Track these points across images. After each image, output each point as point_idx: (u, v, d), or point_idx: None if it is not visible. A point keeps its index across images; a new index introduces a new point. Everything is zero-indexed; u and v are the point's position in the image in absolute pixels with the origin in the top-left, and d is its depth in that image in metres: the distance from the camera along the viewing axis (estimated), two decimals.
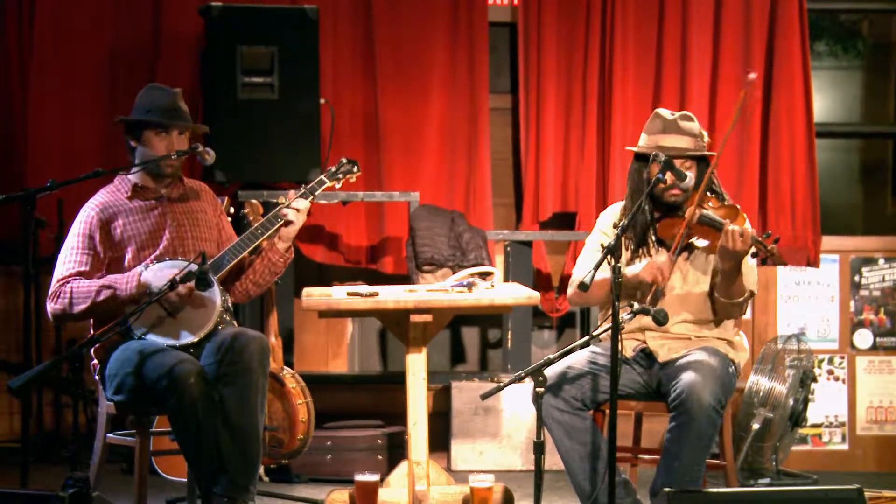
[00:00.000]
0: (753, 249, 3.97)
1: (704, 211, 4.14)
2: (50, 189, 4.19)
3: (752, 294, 4.21)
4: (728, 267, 4.06)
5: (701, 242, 4.13)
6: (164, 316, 4.06)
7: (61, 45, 5.81)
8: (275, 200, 4.33)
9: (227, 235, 4.38)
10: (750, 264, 4.12)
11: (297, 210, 4.25)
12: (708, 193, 4.20)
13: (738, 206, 4.20)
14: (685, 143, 4.21)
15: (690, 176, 4.10)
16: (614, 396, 3.77)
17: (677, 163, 4.11)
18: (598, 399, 4.13)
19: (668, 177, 4.08)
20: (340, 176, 4.46)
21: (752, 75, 4.22)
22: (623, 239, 4.17)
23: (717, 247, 4.05)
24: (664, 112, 4.28)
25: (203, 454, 3.94)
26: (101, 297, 4.02)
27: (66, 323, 4.16)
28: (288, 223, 4.25)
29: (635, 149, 4.31)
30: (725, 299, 4.15)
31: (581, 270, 4.28)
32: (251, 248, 4.22)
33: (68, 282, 4.06)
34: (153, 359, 3.94)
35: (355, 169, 4.49)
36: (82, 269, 4.09)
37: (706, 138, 4.28)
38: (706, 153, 4.25)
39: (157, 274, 4.03)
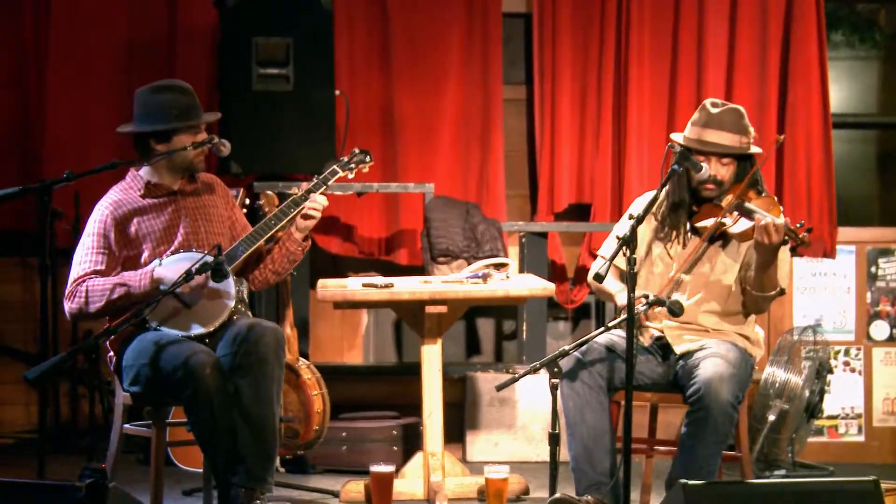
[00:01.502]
0: (786, 238, 3.93)
1: (741, 201, 4.10)
2: (66, 180, 4.18)
3: (782, 291, 4.17)
4: (763, 260, 4.02)
5: (735, 229, 4.08)
6: (180, 307, 4.05)
7: (77, 38, 5.81)
8: (289, 192, 4.33)
9: (242, 227, 4.37)
10: (785, 256, 4.05)
11: (317, 207, 4.25)
12: (750, 188, 4.15)
13: (775, 198, 4.16)
14: (727, 139, 4.13)
15: (706, 167, 4.05)
16: (629, 388, 3.76)
17: (714, 158, 4.10)
18: (616, 382, 4.11)
19: (709, 169, 4.07)
20: (353, 166, 4.45)
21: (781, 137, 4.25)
22: (659, 224, 4.22)
23: (753, 240, 4.00)
24: (710, 105, 4.19)
25: (219, 445, 3.94)
26: (116, 295, 4.02)
27: (83, 321, 4.17)
28: (307, 217, 4.25)
29: (676, 141, 4.23)
30: (758, 292, 4.11)
31: (604, 250, 4.34)
32: (264, 238, 4.22)
33: (84, 281, 4.06)
34: (168, 350, 3.94)
35: (368, 159, 4.48)
36: (98, 268, 4.09)
37: (752, 134, 4.20)
38: (746, 151, 4.17)
39: (171, 268, 4.03)
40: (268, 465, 3.99)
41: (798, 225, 3.94)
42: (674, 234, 4.24)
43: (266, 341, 3.99)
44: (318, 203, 4.26)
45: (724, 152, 4.14)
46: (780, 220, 3.93)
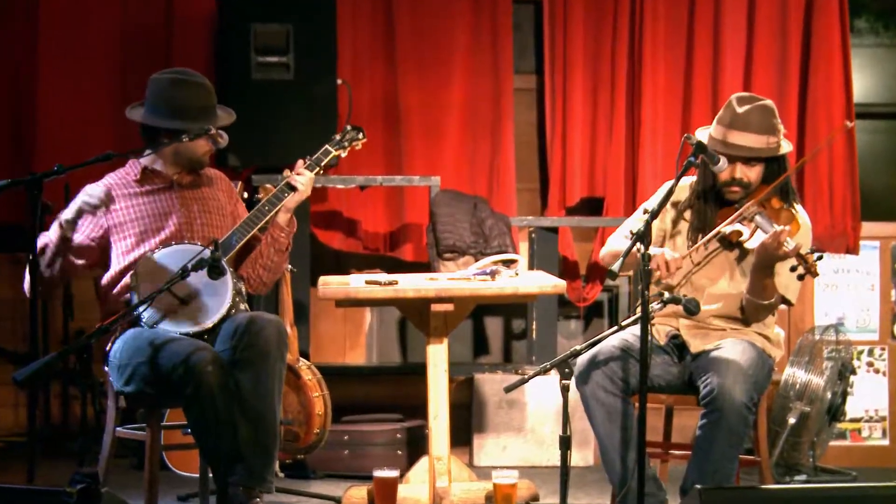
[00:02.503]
0: (794, 262, 3.85)
1: (759, 210, 4.01)
2: (57, 173, 4.16)
3: (787, 302, 4.12)
4: (760, 262, 3.96)
5: (752, 244, 4.00)
6: (175, 304, 4.00)
7: (71, 27, 5.79)
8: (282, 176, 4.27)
9: None
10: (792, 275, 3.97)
11: (303, 180, 4.21)
12: (774, 195, 4.07)
13: (796, 213, 4.07)
14: (752, 140, 4.03)
15: (723, 160, 3.93)
16: (644, 389, 3.71)
17: (739, 160, 4.01)
18: (630, 384, 4.04)
19: (732, 170, 4.00)
20: (346, 144, 4.40)
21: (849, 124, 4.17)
22: (682, 219, 4.17)
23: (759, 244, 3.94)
24: (737, 102, 4.08)
25: (220, 443, 3.89)
26: (39, 246, 4.00)
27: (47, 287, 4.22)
28: (294, 189, 4.20)
29: (699, 135, 4.15)
30: (753, 297, 4.05)
31: (618, 236, 4.28)
32: (259, 225, 4.17)
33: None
34: (167, 348, 3.88)
35: (360, 136, 4.43)
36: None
37: (782, 131, 4.10)
38: (773, 154, 4.06)
39: (168, 258, 3.98)
40: (268, 462, 3.94)
41: (809, 251, 3.85)
42: (696, 234, 4.15)
43: (267, 334, 3.94)
44: (304, 175, 4.21)
45: (750, 156, 4.06)
46: (790, 241, 3.84)
